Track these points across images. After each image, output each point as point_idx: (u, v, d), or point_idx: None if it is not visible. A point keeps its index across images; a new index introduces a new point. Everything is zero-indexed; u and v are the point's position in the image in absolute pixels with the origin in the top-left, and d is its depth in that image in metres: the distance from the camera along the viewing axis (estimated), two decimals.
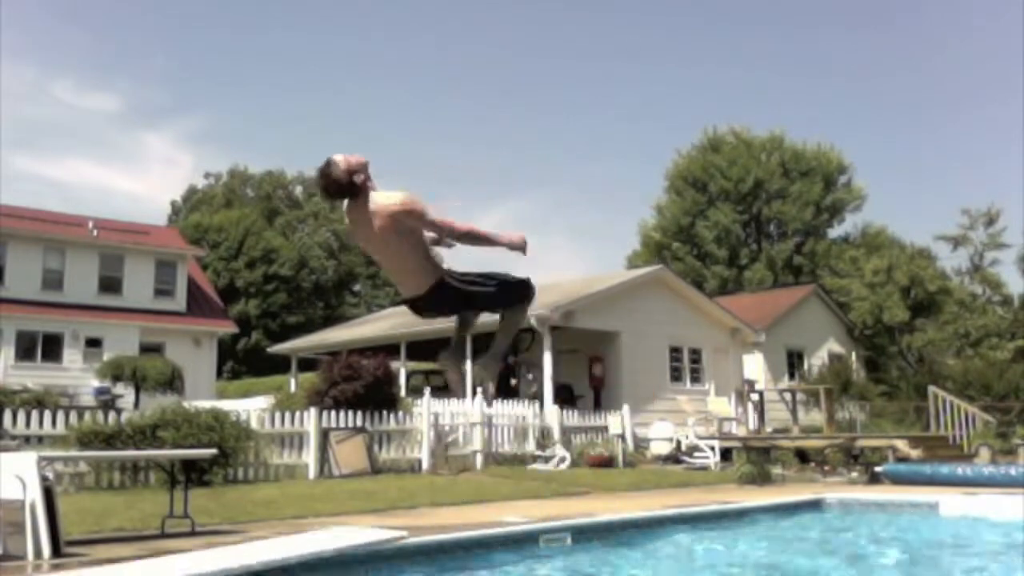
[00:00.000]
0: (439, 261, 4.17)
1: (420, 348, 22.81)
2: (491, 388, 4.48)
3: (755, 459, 13.25)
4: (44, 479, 5.73)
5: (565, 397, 18.59)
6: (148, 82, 77.98)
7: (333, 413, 13.40)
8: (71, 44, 73.92)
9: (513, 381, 20.26)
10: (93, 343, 26.33)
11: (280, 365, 32.30)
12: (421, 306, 4.22)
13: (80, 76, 77.30)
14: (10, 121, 71.58)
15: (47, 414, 10.96)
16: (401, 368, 20.55)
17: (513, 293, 4.26)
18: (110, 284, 28.23)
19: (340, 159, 3.95)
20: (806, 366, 24.93)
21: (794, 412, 18.86)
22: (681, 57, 72.99)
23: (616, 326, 19.72)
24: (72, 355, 26.07)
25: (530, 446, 16.10)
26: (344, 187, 3.96)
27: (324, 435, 12.97)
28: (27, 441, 10.36)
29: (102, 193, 77.57)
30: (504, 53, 78.30)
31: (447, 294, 4.12)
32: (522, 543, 6.20)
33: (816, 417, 19.59)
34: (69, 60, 75.72)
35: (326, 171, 3.96)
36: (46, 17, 69.30)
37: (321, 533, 4.56)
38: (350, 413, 13.55)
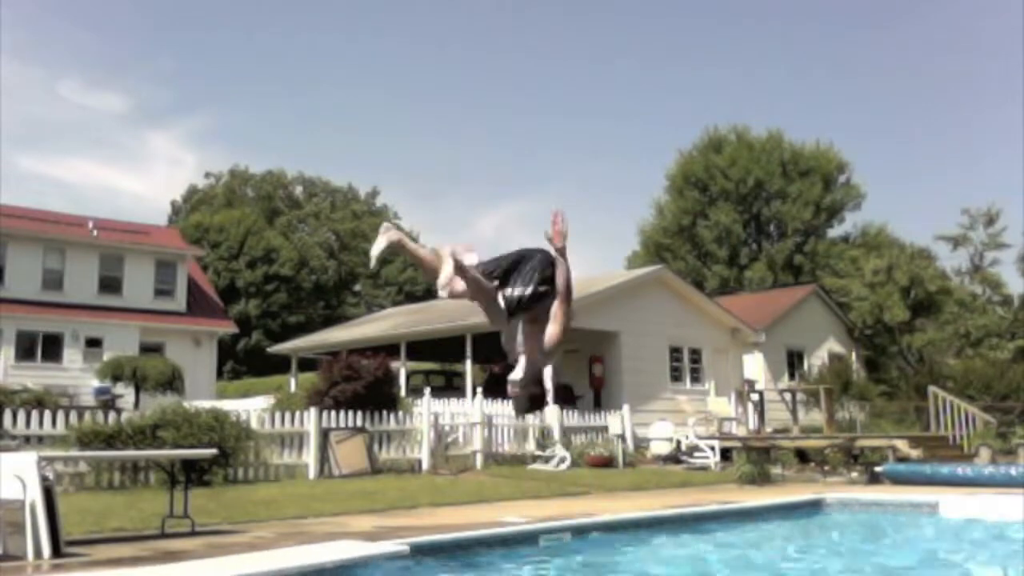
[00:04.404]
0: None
1: (420, 348, 22.82)
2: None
3: (755, 459, 13.24)
4: (44, 479, 5.73)
5: (565, 397, 18.57)
6: (153, 82, 78.09)
7: (333, 413, 13.39)
8: (77, 44, 74.00)
9: None
10: (93, 343, 26.32)
11: (280, 365, 32.30)
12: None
13: (85, 76, 77.39)
14: (15, 120, 71.69)
15: (47, 414, 10.95)
16: (401, 368, 20.55)
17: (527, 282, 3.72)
18: (110, 284, 28.21)
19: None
20: (806, 366, 24.91)
21: (794, 412, 18.85)
22: (681, 57, 73.05)
23: (616, 326, 19.71)
24: (72, 355, 26.06)
25: (530, 446, 16.10)
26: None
27: (324, 435, 12.97)
28: (27, 441, 10.35)
29: (106, 193, 77.65)
30: (505, 54, 78.34)
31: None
32: (523, 543, 6.20)
33: (816, 417, 19.58)
34: (75, 60, 75.82)
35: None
36: (52, 17, 69.39)
37: (323, 546, 4.58)
38: (350, 413, 13.54)
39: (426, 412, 14.41)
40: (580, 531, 6.65)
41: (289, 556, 4.98)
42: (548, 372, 3.76)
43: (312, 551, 5.12)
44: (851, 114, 69.05)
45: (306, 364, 25.71)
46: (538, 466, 15.10)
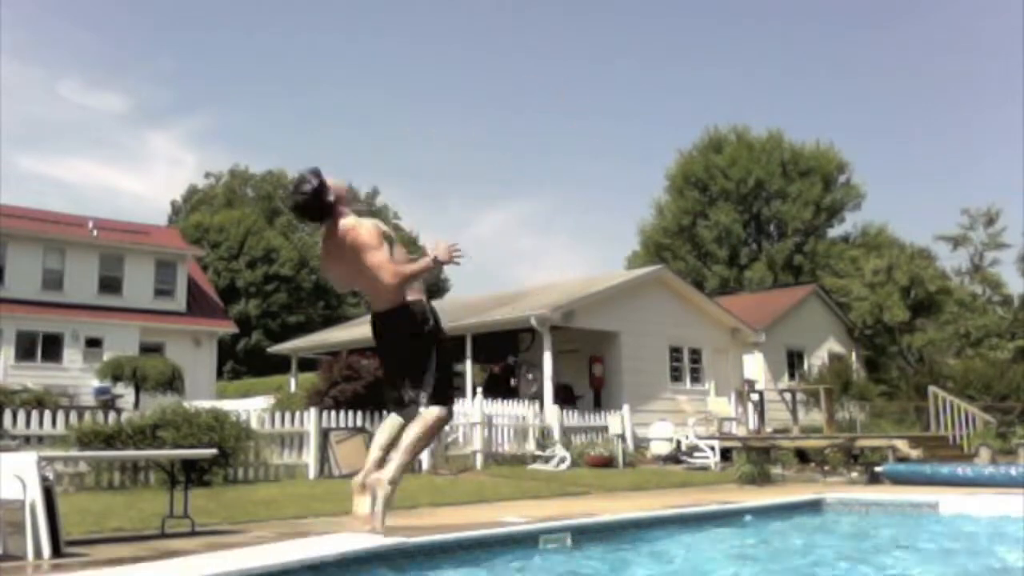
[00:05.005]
0: (416, 289, 4.25)
1: None
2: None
3: (755, 459, 13.23)
4: (44, 479, 5.72)
5: (565, 397, 18.58)
6: (153, 82, 78.09)
7: (333, 413, 13.39)
8: (77, 44, 74.01)
9: (513, 381, 20.26)
10: (93, 343, 26.33)
11: (280, 365, 32.29)
12: (377, 325, 4.32)
13: (85, 76, 77.38)
14: (15, 120, 71.70)
15: (47, 414, 10.95)
16: None
17: (432, 391, 4.46)
18: (110, 284, 28.23)
19: (324, 183, 4.17)
20: (806, 366, 24.92)
21: (794, 412, 18.84)
22: (681, 57, 73.04)
23: (616, 326, 19.71)
24: (72, 355, 26.07)
25: (530, 446, 16.09)
26: (321, 208, 4.17)
27: (324, 435, 12.97)
28: (27, 441, 10.35)
29: (106, 193, 77.69)
30: (505, 55, 78.33)
31: (402, 320, 4.19)
32: (522, 543, 6.19)
33: (816, 417, 19.58)
34: (75, 60, 75.82)
35: (304, 190, 4.16)
36: (52, 17, 69.40)
37: (324, 538, 4.59)
38: (350, 413, 13.54)
39: None
40: (580, 531, 6.64)
41: (289, 550, 4.97)
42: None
43: (311, 544, 5.11)
44: (851, 114, 69.15)
45: (306, 364, 25.70)
46: (538, 466, 15.10)
